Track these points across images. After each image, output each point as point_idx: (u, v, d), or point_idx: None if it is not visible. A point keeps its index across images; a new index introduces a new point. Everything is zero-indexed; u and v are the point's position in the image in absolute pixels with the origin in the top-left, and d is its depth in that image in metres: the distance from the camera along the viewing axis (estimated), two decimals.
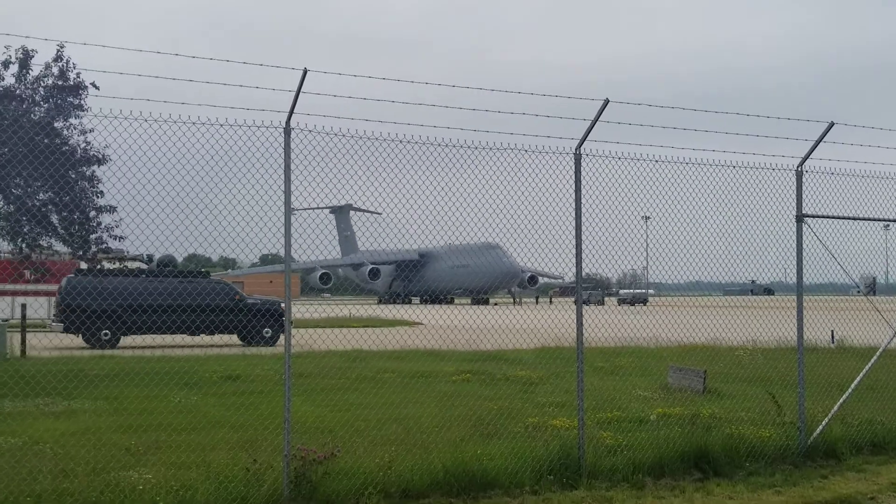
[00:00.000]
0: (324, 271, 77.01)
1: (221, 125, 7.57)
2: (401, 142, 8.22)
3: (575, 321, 9.19)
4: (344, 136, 7.96)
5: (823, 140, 10.23)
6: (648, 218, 10.59)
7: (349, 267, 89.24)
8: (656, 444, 9.50)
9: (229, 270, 34.06)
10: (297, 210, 8.58)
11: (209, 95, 8.18)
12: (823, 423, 10.46)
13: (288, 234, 7.78)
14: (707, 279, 11.13)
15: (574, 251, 9.11)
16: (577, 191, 9.06)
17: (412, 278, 74.64)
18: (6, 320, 21.83)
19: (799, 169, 10.50)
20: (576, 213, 9.03)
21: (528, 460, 8.72)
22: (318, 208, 9.29)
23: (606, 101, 8.82)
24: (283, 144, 7.80)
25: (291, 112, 7.68)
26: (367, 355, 19.21)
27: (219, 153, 7.63)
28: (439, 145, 8.46)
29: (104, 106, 7.19)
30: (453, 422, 10.61)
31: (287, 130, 7.74)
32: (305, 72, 7.46)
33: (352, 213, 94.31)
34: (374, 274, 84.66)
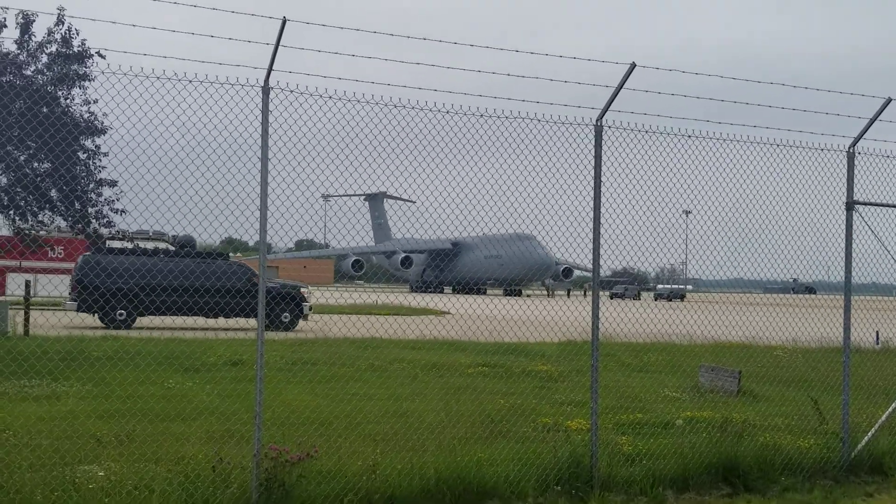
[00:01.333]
0: (356, 258, 76.34)
1: (209, 83, 6.75)
2: (395, 106, 7.30)
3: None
4: (330, 97, 7.03)
5: (879, 118, 9.11)
6: (689, 212, 9.56)
7: (382, 254, 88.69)
8: (680, 452, 8.52)
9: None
10: (332, 197, 7.93)
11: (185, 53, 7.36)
12: (870, 433, 9.38)
13: (264, 208, 6.92)
14: (748, 276, 10.06)
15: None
16: (597, 167, 8.07)
17: (444, 267, 73.82)
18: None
19: (851, 150, 9.35)
20: (594, 192, 8.06)
21: (533, 467, 7.80)
22: (352, 195, 8.56)
23: (633, 66, 7.82)
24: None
25: (270, 69, 6.80)
26: (383, 343, 18.36)
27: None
28: (439, 111, 7.51)
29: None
30: (458, 419, 9.71)
31: (265, 90, 6.87)
32: (284, 21, 6.57)
33: (386, 201, 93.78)
34: (407, 262, 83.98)
